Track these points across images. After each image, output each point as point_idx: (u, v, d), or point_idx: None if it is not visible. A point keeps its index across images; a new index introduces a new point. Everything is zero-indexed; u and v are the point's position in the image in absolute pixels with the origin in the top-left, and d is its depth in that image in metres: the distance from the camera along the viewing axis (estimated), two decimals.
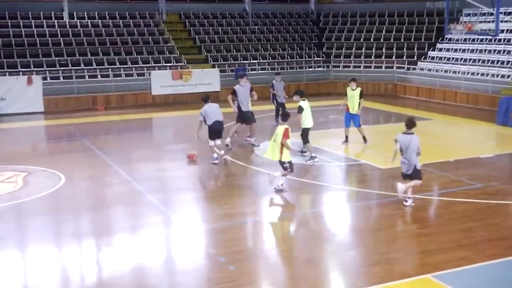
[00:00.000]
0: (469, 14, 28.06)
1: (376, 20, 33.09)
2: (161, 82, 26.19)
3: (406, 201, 10.88)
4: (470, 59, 26.54)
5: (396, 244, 9.02)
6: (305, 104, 14.75)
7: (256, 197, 11.99)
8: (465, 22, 21.30)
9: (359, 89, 16.20)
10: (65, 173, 13.50)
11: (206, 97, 14.89)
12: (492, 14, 21.62)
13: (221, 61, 29.28)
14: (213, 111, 14.64)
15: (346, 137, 16.43)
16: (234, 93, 16.48)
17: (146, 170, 14.19)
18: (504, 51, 25.56)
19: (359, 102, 16.14)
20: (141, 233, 9.87)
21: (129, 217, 10.75)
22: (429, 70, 27.50)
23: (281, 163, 11.91)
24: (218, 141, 14.71)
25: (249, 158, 15.15)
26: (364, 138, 16.21)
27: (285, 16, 34.39)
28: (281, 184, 11.94)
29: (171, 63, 28.06)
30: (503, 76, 23.90)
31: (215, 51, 29.98)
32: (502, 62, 24.85)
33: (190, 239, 9.58)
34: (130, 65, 27.18)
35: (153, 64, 27.55)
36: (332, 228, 10.24)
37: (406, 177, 10.89)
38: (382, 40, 31.50)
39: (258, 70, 29.09)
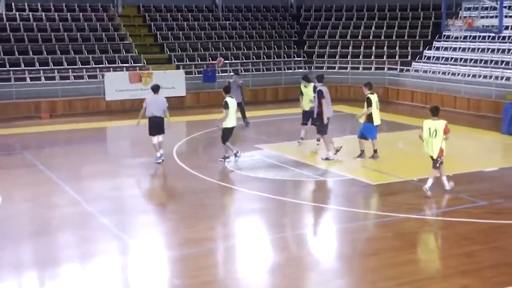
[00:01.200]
0: (469, 8, 28.56)
1: (364, 15, 33.52)
2: (117, 85, 26.08)
3: None
4: (471, 60, 27.02)
5: (388, 271, 9.09)
6: (231, 101, 15.59)
7: (227, 219, 11.99)
8: (465, 17, 21.72)
9: (368, 96, 15.93)
10: (2, 192, 13.31)
11: (155, 87, 15.93)
12: (495, 8, 22.10)
13: (186, 61, 29.30)
14: (154, 104, 15.67)
15: (375, 151, 16.11)
16: (322, 95, 16.23)
17: (98, 189, 14.08)
18: (508, 50, 26.09)
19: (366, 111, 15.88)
20: (94, 262, 9.77)
21: (79, 244, 10.64)
22: (425, 71, 27.91)
23: (436, 160, 12.82)
24: (160, 138, 15.83)
25: (219, 173, 15.15)
26: (362, 153, 16.11)
27: (260, 10, 34.61)
28: (430, 187, 12.76)
29: (128, 63, 27.97)
30: (507, 78, 24.37)
31: (180, 50, 29.99)
32: (507, 63, 25.36)
33: (151, 268, 9.51)
34: (80, 66, 27.01)
35: (107, 65, 27.42)
36: (316, 253, 10.28)
37: None
38: (371, 38, 31.90)
39: (230, 72, 29.14)
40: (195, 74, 28.19)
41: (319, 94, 16.02)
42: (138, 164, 16.41)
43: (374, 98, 15.91)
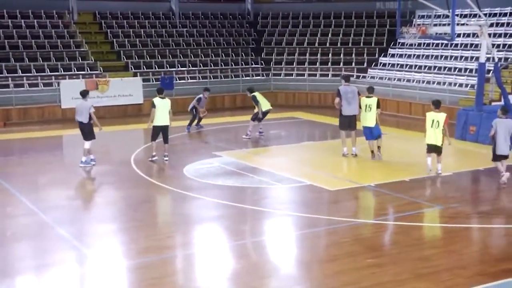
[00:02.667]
0: (423, 16, 29.18)
1: (321, 22, 33.87)
2: (73, 93, 25.56)
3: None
4: (425, 66, 27.58)
5: (346, 276, 9.19)
6: (158, 101, 16.75)
7: (186, 227, 11.95)
8: (418, 25, 22.07)
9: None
10: None
11: (83, 92, 16.63)
12: (447, 16, 22.54)
13: (144, 68, 29.13)
14: (80, 109, 16.34)
15: (372, 151, 17.04)
16: (338, 94, 17.24)
17: (55, 198, 13.89)
18: (461, 57, 26.72)
19: None
20: (50, 273, 9.63)
21: (35, 255, 10.47)
22: (381, 78, 28.34)
23: (440, 148, 14.88)
24: (87, 145, 16.43)
25: (177, 181, 15.10)
26: (371, 153, 16.96)
27: (217, 17, 34.66)
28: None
29: (84, 71, 27.67)
30: (460, 85, 24.94)
31: (137, 57, 29.81)
32: (459, 70, 25.95)
33: (109, 278, 9.42)
34: (35, 74, 26.61)
35: (62, 73, 27.07)
36: (275, 260, 10.33)
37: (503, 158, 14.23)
38: (328, 45, 32.25)
39: (188, 79, 29.12)
40: (153, 81, 28.05)
41: (337, 93, 17.23)
42: (95, 173, 16.24)
43: (363, 101, 16.77)
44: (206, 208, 13.08)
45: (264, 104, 20.57)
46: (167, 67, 29.57)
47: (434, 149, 15.00)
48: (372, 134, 16.75)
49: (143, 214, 12.73)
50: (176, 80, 28.37)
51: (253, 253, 10.57)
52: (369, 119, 16.67)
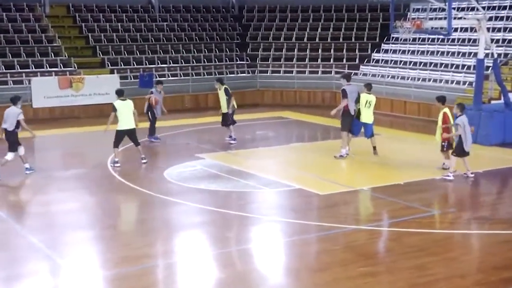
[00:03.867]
0: (418, 10, 29.34)
1: (310, 15, 33.94)
2: (45, 91, 25.64)
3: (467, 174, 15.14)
4: (420, 63, 27.68)
5: (338, 286, 9.20)
6: (119, 103, 16.68)
7: (167, 234, 11.91)
8: (413, 18, 22.23)
9: (360, 94, 17.56)
10: None
11: (14, 98, 16.16)
12: (443, 9, 22.67)
13: (121, 65, 29.04)
14: (7, 115, 15.87)
15: (374, 147, 17.75)
16: (346, 95, 17.34)
17: (26, 204, 13.79)
18: (458, 53, 26.87)
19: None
20: (21, 285, 9.56)
21: (4, 265, 10.39)
22: (374, 75, 28.43)
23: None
24: (8, 156, 15.77)
25: (157, 185, 15.05)
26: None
27: (200, 10, 34.64)
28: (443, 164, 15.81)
29: (57, 67, 27.55)
30: (458, 82, 25.07)
31: (114, 53, 29.72)
32: (457, 66, 26.09)
33: None
34: (4, 70, 26.47)
35: (34, 69, 26.96)
36: (262, 269, 10.32)
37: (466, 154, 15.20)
38: (317, 40, 32.31)
39: (169, 77, 29.06)
40: (131, 78, 27.97)
41: (343, 93, 17.27)
42: (69, 177, 16.16)
43: (365, 97, 17.37)
44: (188, 214, 13.05)
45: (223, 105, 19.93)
46: (146, 64, 29.50)
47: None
48: (366, 131, 17.52)
49: (121, 220, 12.67)
50: (156, 77, 28.23)
51: (239, 261, 10.55)
52: (368, 115, 17.43)
